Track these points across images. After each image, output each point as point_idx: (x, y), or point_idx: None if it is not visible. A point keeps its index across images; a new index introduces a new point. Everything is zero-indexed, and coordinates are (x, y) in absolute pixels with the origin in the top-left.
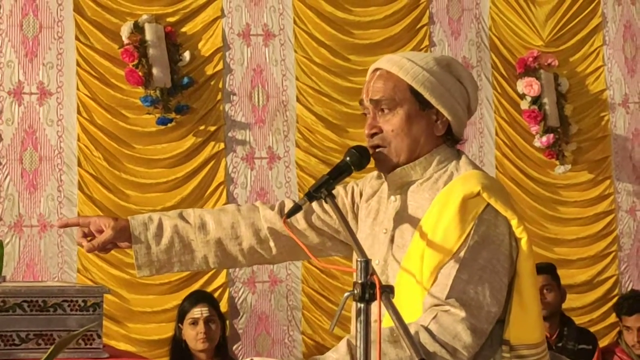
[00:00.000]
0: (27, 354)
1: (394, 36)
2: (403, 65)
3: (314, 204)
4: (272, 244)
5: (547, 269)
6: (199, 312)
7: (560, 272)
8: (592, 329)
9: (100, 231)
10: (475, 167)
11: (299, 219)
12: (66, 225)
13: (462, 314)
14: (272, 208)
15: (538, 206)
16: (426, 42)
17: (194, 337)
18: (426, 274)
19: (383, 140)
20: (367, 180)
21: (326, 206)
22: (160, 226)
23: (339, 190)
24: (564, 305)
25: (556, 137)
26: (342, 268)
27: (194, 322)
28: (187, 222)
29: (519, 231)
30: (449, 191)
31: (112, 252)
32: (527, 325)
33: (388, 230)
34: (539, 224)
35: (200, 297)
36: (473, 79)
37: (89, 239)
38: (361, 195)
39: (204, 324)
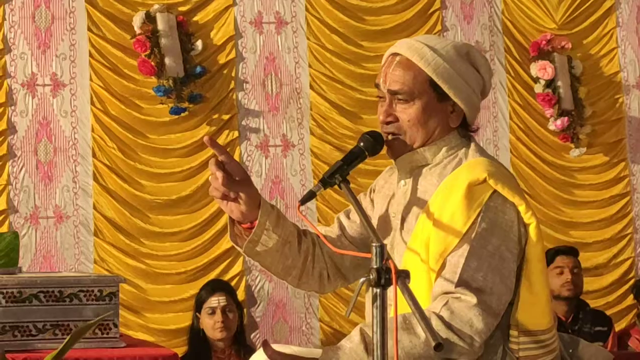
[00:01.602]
0: (44, 345)
1: (406, 22)
2: (424, 54)
3: (343, 219)
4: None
5: (574, 252)
6: (216, 301)
7: None
8: (608, 312)
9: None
10: (484, 154)
11: (341, 239)
12: (214, 146)
13: (474, 300)
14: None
15: (553, 190)
16: (438, 27)
17: (212, 326)
18: (432, 260)
19: (398, 128)
20: (380, 177)
21: (352, 216)
22: (280, 216)
23: (360, 196)
24: None
25: (570, 120)
26: (358, 254)
27: (212, 311)
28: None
29: (527, 217)
30: (455, 177)
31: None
32: (536, 311)
33: (397, 214)
34: (555, 207)
35: (217, 286)
36: (490, 67)
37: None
38: (374, 191)
39: (222, 313)
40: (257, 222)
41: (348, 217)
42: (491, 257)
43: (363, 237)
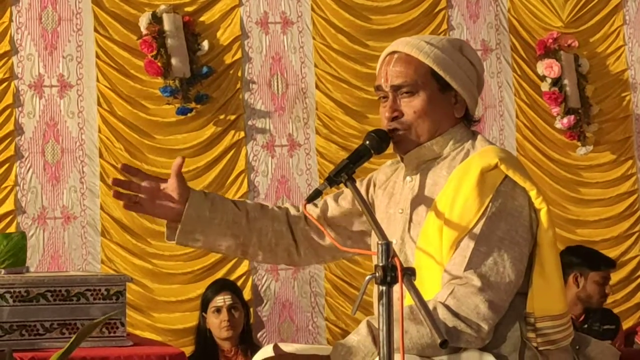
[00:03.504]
0: (52, 344)
1: (412, 21)
2: (422, 47)
3: (330, 202)
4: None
5: (614, 265)
6: (221, 300)
7: None
8: (616, 310)
9: (152, 194)
10: (492, 144)
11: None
12: (128, 171)
13: (479, 285)
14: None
15: (560, 188)
16: (444, 26)
17: (218, 325)
18: (445, 248)
19: (404, 123)
20: (380, 171)
21: (341, 201)
22: (216, 203)
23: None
24: None
25: (577, 119)
26: (363, 252)
27: (217, 310)
28: (239, 208)
29: (538, 202)
30: (466, 166)
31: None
32: (549, 297)
33: (404, 210)
34: (561, 205)
35: (223, 285)
36: (482, 62)
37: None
38: (374, 185)
39: (227, 312)
40: (181, 221)
41: (336, 200)
42: (501, 242)
43: (342, 225)
